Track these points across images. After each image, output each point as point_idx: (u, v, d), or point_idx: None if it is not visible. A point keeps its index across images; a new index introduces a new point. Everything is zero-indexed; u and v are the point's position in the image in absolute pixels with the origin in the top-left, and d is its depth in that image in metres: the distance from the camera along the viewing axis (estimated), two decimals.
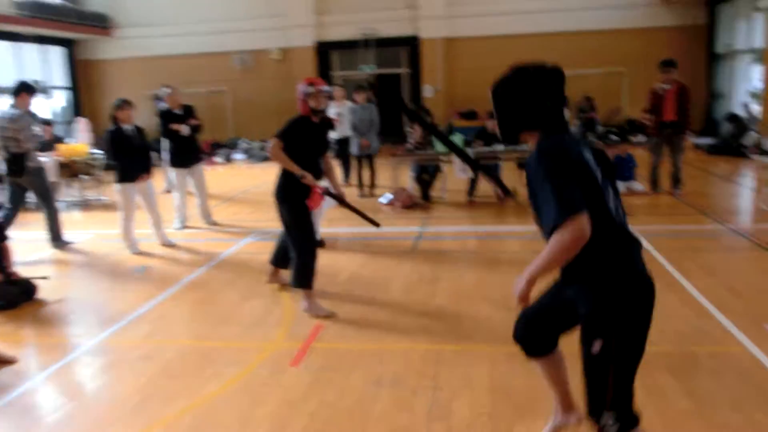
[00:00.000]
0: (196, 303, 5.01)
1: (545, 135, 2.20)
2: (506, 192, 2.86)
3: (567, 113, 7.42)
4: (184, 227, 7.71)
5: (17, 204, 6.78)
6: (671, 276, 5.12)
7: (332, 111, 10.21)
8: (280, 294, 5.05)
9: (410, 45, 17.01)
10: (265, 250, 6.55)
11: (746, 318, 4.16)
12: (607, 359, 2.14)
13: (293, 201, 4.51)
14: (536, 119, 2.21)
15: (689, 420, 3.03)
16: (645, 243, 6.12)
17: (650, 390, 3.30)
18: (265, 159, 15.15)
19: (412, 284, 5.23)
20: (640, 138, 12.21)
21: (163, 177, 10.06)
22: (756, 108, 13.21)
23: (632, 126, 15.19)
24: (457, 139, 8.31)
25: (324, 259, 5.97)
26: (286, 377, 3.62)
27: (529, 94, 2.20)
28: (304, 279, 4.53)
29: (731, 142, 12.60)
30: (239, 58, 17.83)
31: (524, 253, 6.07)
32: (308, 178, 4.42)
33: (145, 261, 6.27)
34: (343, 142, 10.25)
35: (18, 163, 6.46)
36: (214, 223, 7.88)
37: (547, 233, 2.10)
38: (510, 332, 4.08)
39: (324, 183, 4.76)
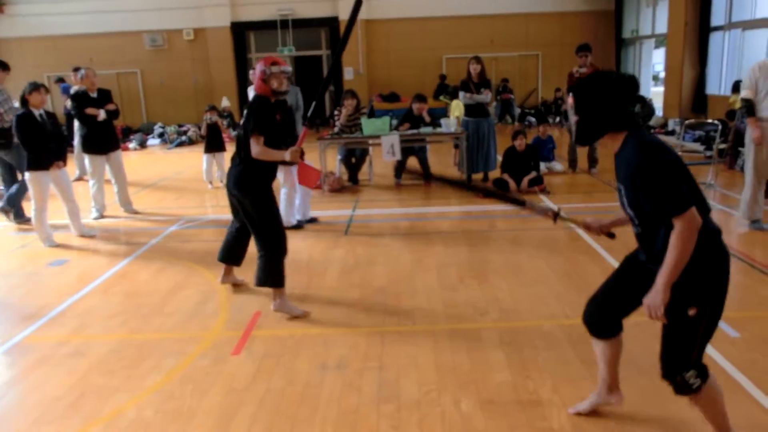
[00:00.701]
0: (125, 295, 4.79)
1: (632, 135, 2.40)
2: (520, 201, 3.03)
3: (488, 95, 7.45)
4: (102, 217, 7.34)
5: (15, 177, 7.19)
6: (594, 250, 5.39)
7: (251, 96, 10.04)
8: (216, 282, 4.92)
9: (330, 26, 16.85)
10: (196, 237, 6.39)
11: None
12: (699, 323, 2.38)
13: (258, 192, 4.15)
14: (623, 121, 2.39)
15: (622, 387, 3.20)
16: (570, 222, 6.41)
17: (585, 360, 3.48)
18: (181, 144, 14.63)
19: (349, 268, 5.23)
20: (555, 119, 12.76)
21: (74, 163, 9.53)
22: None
23: (547, 107, 15.83)
24: (384, 121, 8.33)
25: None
26: (229, 366, 3.54)
27: (617, 98, 2.39)
28: (272, 277, 4.19)
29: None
30: (150, 38, 17.05)
31: (455, 234, 6.22)
32: (295, 154, 4.11)
33: (63, 254, 5.92)
34: None
35: (5, 136, 6.78)
36: (135, 212, 7.55)
37: (648, 226, 2.43)
38: (450, 311, 4.23)
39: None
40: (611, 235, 2.94)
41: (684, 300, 2.36)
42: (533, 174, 7.94)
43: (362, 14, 16.39)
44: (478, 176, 8.79)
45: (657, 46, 16.40)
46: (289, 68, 4.20)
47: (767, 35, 11.00)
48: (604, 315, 2.80)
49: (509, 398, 3.12)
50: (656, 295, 2.33)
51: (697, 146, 10.34)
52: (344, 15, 16.44)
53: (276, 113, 4.19)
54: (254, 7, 16.72)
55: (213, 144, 9.06)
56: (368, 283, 4.86)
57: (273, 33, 16.87)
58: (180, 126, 15.92)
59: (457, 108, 10.17)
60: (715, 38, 12.38)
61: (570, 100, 2.54)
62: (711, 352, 3.51)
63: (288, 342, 3.83)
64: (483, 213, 7.07)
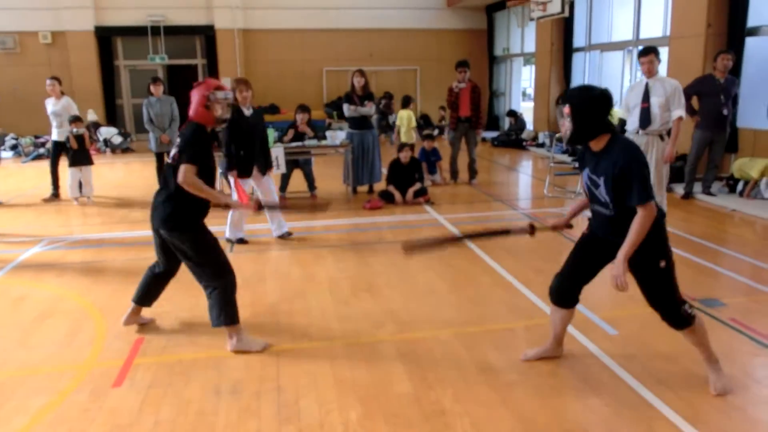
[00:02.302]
0: None
1: (616, 137, 3.05)
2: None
3: (372, 107, 7.70)
4: None
5: None
6: (482, 260, 5.55)
7: (49, 109, 8.62)
8: (90, 308, 4.49)
9: (205, 35, 16.27)
10: (62, 260, 5.83)
11: None
12: (670, 270, 3.11)
13: (192, 229, 3.76)
14: (607, 126, 3.04)
15: (518, 389, 3.31)
16: (455, 231, 6.58)
17: (481, 366, 3.55)
18: (39, 157, 13.42)
19: (238, 285, 4.96)
20: (434, 132, 13.15)
21: None
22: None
23: (426, 121, 16.30)
24: (268, 133, 8.10)
25: (133, 264, 5.46)
26: (110, 400, 3.22)
27: (606, 107, 3.02)
28: (230, 315, 3.79)
29: (512, 135, 14.09)
30: None
31: (344, 247, 6.16)
32: (233, 204, 4.09)
33: None
34: (59, 147, 8.63)
35: None
36: None
37: (623, 210, 3.01)
38: (345, 326, 4.16)
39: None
40: (570, 227, 3.55)
41: (654, 258, 3.06)
42: (418, 185, 8.09)
43: (239, 24, 16.12)
44: (363, 188, 8.82)
45: (525, 64, 17.46)
46: (231, 94, 3.91)
47: (621, 56, 12.07)
48: (569, 287, 3.38)
49: (412, 410, 3.10)
50: (619, 267, 3.00)
51: (566, 157, 11.08)
52: (220, 24, 15.99)
53: (212, 143, 3.88)
54: (121, 12, 15.74)
55: (79, 157, 8.37)
56: (259, 301, 4.67)
57: (143, 40, 15.97)
58: (37, 137, 14.57)
59: (409, 119, 10.45)
60: (577, 58, 13.39)
61: (566, 109, 3.01)
62: (593, 350, 3.72)
63: (176, 368, 3.57)
64: (371, 225, 7.08)
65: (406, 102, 11.32)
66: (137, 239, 6.48)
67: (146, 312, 4.24)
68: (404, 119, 11.09)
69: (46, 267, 5.59)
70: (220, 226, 6.49)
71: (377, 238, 6.55)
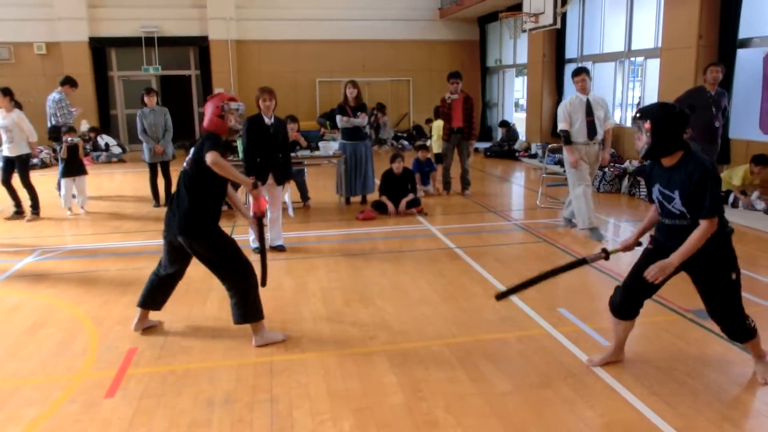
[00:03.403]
0: None
1: (690, 153, 3.18)
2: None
3: (365, 118, 7.75)
4: None
5: None
6: (474, 270, 5.58)
7: None
8: (82, 319, 4.48)
9: (199, 46, 16.32)
10: (55, 270, 5.82)
11: (542, 304, 4.69)
12: (738, 282, 3.26)
13: (210, 233, 3.92)
14: (683, 143, 3.19)
15: (511, 400, 3.31)
16: (448, 242, 6.61)
17: (474, 377, 3.56)
18: (32, 167, 13.34)
19: None
20: (428, 143, 13.16)
21: None
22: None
23: (418, 131, 16.37)
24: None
25: (126, 274, 5.46)
26: (102, 410, 3.21)
27: (684, 125, 3.17)
28: (254, 312, 3.98)
29: (504, 146, 14.16)
30: None
31: (336, 257, 6.16)
32: (254, 186, 4.05)
33: None
34: (12, 163, 8.04)
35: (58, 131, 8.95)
36: None
37: (681, 219, 3.20)
38: (338, 336, 4.16)
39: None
40: (639, 245, 3.59)
41: (726, 271, 3.23)
42: (411, 196, 8.12)
43: (233, 35, 16.17)
44: (356, 199, 8.84)
45: (518, 75, 17.58)
46: (243, 106, 4.07)
47: (613, 67, 12.19)
48: (633, 301, 3.48)
49: (405, 421, 3.10)
50: (668, 267, 3.16)
51: (558, 168, 11.13)
52: (213, 35, 16.05)
53: (227, 152, 4.04)
54: (115, 23, 15.78)
55: (73, 167, 8.37)
56: None
57: (137, 51, 16.01)
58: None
59: (438, 130, 10.39)
60: (569, 69, 13.43)
61: (647, 125, 3.14)
62: (563, 339, 3.75)
63: (169, 379, 3.56)
64: (364, 235, 7.10)
65: (438, 113, 11.20)
66: (130, 249, 6.48)
67: (153, 315, 4.35)
68: (434, 129, 10.86)
69: (40, 277, 5.58)
70: (243, 235, 6.56)
71: (370, 248, 6.57)
